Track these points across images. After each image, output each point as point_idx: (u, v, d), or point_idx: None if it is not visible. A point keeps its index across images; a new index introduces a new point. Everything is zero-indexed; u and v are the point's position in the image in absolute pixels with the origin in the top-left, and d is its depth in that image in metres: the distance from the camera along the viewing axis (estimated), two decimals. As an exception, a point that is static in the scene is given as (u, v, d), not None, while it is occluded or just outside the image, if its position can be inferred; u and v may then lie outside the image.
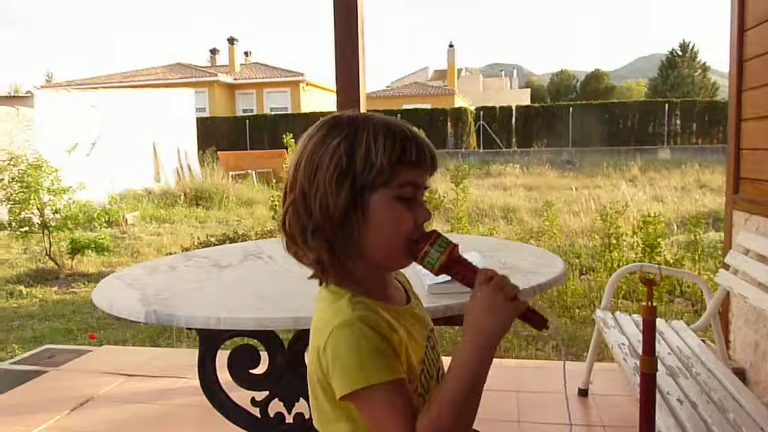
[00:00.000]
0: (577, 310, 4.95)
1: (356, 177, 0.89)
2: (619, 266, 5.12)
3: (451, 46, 39.06)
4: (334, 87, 3.18)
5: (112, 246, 7.85)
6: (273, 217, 8.02)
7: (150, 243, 8.64)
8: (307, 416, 1.72)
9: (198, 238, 7.59)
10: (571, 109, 26.30)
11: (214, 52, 36.92)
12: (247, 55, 35.87)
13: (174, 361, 3.49)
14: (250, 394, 1.73)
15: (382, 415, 0.84)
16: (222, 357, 1.73)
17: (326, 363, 0.86)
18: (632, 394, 2.57)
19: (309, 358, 0.92)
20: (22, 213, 6.80)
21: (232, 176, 14.75)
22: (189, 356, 3.54)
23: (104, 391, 3.05)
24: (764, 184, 2.81)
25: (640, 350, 1.74)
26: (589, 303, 5.11)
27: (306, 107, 27.88)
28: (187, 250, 6.65)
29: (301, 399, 1.75)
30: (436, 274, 0.93)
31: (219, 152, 17.04)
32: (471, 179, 15.35)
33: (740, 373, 2.91)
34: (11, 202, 6.79)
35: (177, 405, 2.88)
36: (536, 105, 30.89)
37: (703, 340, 2.67)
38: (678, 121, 25.41)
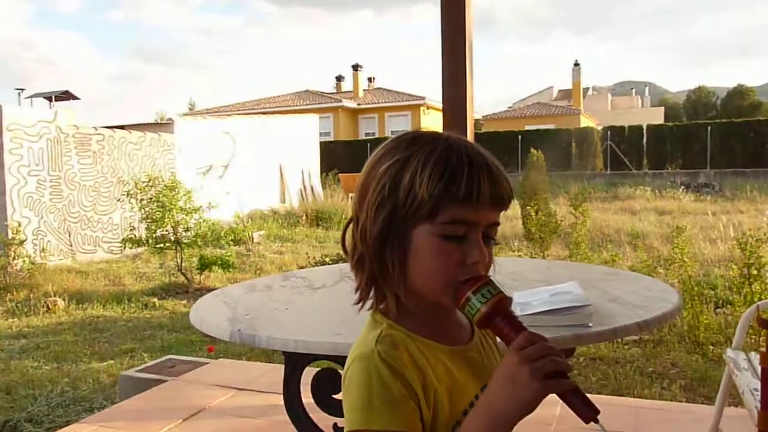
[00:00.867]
0: (710, 347, 4.51)
1: (396, 207, 0.81)
2: (761, 300, 4.61)
3: (576, 64, 37.88)
4: (454, 110, 3.16)
5: (237, 263, 8.28)
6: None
7: (273, 261, 9.03)
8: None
9: (314, 258, 7.82)
10: (709, 128, 24.43)
11: (339, 78, 38.42)
12: (370, 81, 36.96)
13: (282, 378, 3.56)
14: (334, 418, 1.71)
15: None
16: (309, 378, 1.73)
17: (343, 390, 0.82)
18: (770, 447, 2.26)
19: None
20: (158, 231, 7.36)
21: (351, 197, 15.15)
22: (307, 374, 3.62)
23: (215, 403, 3.17)
24: None
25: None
26: (724, 339, 4.63)
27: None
28: (302, 268, 6.87)
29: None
30: (477, 327, 0.81)
31: (340, 174, 17.58)
32: (596, 202, 14.72)
33: None
34: (149, 221, 7.37)
35: (280, 422, 2.91)
36: (669, 124, 29.04)
37: None
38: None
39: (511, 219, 11.21)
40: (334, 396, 1.67)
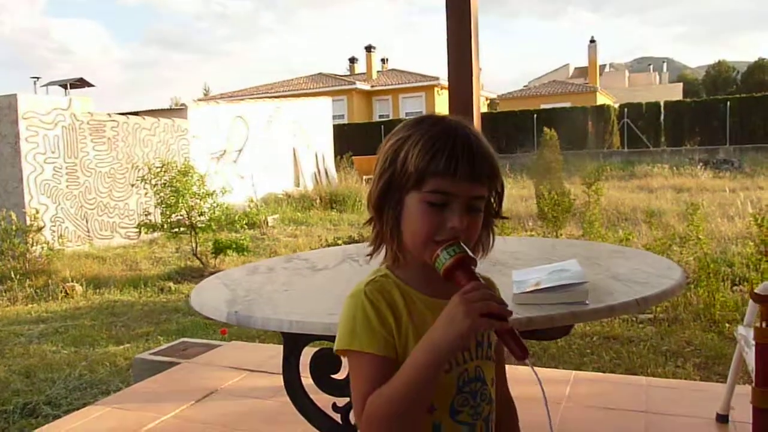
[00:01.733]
0: (726, 325, 4.46)
1: (393, 177, 0.98)
2: (777, 277, 4.54)
3: (592, 41, 37.29)
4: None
5: (251, 247, 8.33)
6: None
7: (287, 244, 9.08)
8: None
9: (326, 240, 7.85)
10: (728, 103, 23.95)
11: (353, 60, 38.20)
12: (384, 62, 36.71)
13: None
14: (334, 398, 1.72)
15: (354, 377, 0.96)
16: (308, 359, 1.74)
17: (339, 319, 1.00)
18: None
19: None
20: (173, 216, 7.41)
21: (365, 180, 15.13)
22: (306, 355, 3.64)
23: (227, 384, 3.21)
24: None
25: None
26: (741, 317, 4.55)
27: (441, 110, 27.89)
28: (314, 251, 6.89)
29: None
30: (444, 278, 0.93)
31: (354, 157, 17.56)
32: (613, 181, 14.56)
33: None
34: (163, 206, 7.43)
35: (291, 402, 2.95)
36: (688, 100, 28.54)
37: None
38: None
39: (525, 199, 11.14)
40: (332, 376, 1.68)
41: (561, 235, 7.18)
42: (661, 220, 8.75)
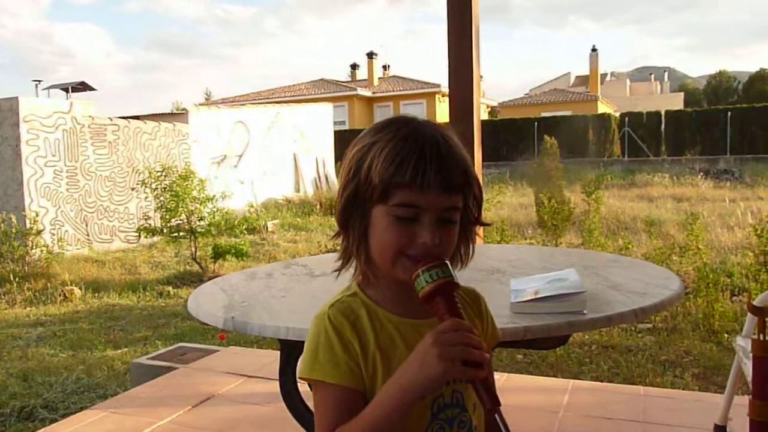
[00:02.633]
0: (725, 335, 4.46)
1: (358, 188, 0.90)
2: (775, 288, 4.54)
3: (594, 50, 37.40)
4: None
5: (251, 252, 8.33)
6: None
7: (286, 250, 9.07)
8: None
9: (325, 246, 7.85)
10: (729, 113, 23.99)
11: (354, 67, 38.27)
12: (385, 69, 36.79)
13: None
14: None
15: (317, 408, 0.91)
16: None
17: None
18: (779, 436, 2.23)
19: None
20: (173, 220, 7.42)
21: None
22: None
23: (224, 390, 3.20)
24: None
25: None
26: (740, 328, 4.55)
27: (442, 118, 28.00)
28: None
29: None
30: (422, 302, 0.86)
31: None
32: (613, 189, 14.55)
33: None
34: (163, 210, 7.43)
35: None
36: (689, 110, 28.58)
37: None
38: None
39: (525, 207, 11.14)
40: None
41: (560, 243, 7.19)
42: (660, 230, 8.75)
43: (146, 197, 8.77)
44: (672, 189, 14.69)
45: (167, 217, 7.42)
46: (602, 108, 31.68)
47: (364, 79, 34.65)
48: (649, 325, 4.79)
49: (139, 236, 8.10)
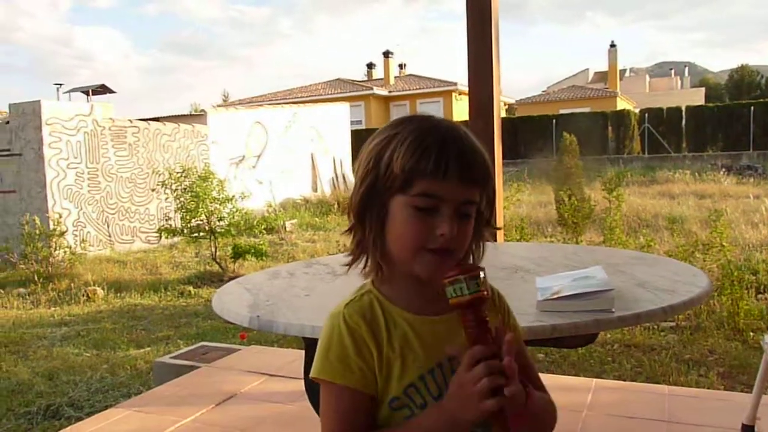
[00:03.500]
0: (751, 334, 4.39)
1: (377, 179, 0.90)
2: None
3: (612, 46, 37.01)
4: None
5: (270, 252, 8.37)
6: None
7: (305, 249, 9.11)
8: None
9: (344, 245, 7.85)
10: (752, 108, 23.60)
11: (370, 66, 38.29)
12: (401, 68, 36.74)
13: (312, 364, 3.59)
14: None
15: (325, 410, 0.90)
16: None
17: None
18: (809, 436, 2.19)
19: None
20: (193, 220, 7.48)
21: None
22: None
23: (246, 389, 3.22)
24: None
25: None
26: (766, 326, 4.51)
27: (458, 116, 27.92)
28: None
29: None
30: (451, 306, 0.86)
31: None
32: (633, 187, 14.41)
33: None
34: (183, 211, 7.50)
35: (310, 407, 2.95)
36: (710, 105, 28.17)
37: None
38: None
39: (544, 205, 11.06)
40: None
41: (581, 241, 7.12)
42: (683, 227, 8.65)
43: (166, 198, 8.86)
44: (694, 186, 14.51)
45: (187, 217, 7.48)
46: (621, 104, 31.34)
47: (380, 79, 34.65)
48: (673, 324, 4.73)
49: (160, 237, 8.18)
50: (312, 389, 1.76)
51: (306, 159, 15.27)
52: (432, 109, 29.51)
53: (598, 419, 2.70)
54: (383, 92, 31.02)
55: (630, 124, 25.14)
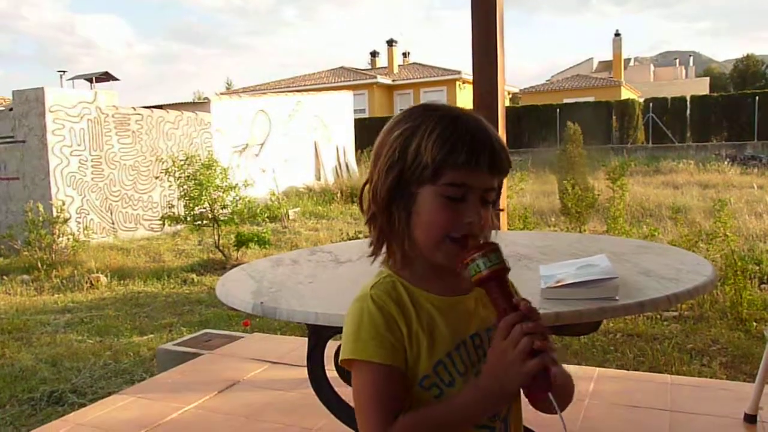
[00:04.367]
0: (754, 324, 4.38)
1: (404, 169, 0.91)
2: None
3: (617, 34, 36.78)
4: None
5: (273, 240, 8.38)
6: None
7: (308, 238, 9.11)
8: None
9: (347, 234, 7.86)
10: (757, 97, 23.45)
11: (374, 54, 38.10)
12: (405, 56, 36.57)
13: (314, 352, 3.60)
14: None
15: (363, 392, 0.90)
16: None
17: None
18: (812, 426, 2.19)
19: None
20: (196, 208, 7.48)
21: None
22: (331, 348, 3.65)
23: (249, 376, 3.23)
24: None
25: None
26: (770, 316, 4.50)
27: (462, 105, 27.56)
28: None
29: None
30: (474, 284, 0.90)
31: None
32: (637, 176, 14.36)
33: None
34: (186, 198, 7.50)
35: (312, 395, 2.95)
36: (715, 95, 28.01)
37: None
38: None
39: (547, 194, 11.04)
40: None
41: (584, 230, 7.11)
42: (686, 217, 8.62)
43: (170, 186, 8.86)
44: (698, 176, 14.45)
45: (191, 205, 7.48)
46: (626, 94, 31.18)
47: (384, 67, 34.49)
48: (675, 314, 4.73)
49: (163, 224, 8.18)
50: (316, 377, 1.76)
51: (309, 147, 15.25)
52: (436, 97, 29.43)
53: (600, 408, 2.70)
54: (387, 81, 30.90)
55: (634, 113, 25.03)
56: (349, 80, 29.84)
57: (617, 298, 1.44)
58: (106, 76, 19.12)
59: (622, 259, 1.80)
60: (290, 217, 10.87)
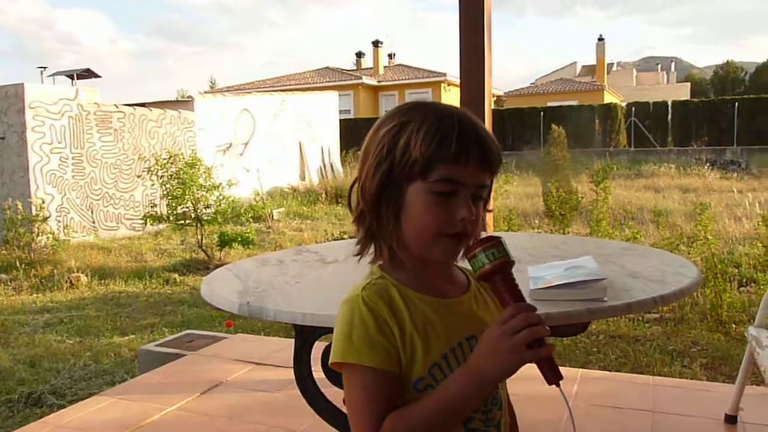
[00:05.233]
0: (733, 326, 4.44)
1: (393, 166, 0.90)
2: (786, 278, 4.51)
3: (600, 39, 37.14)
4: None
5: (257, 240, 8.32)
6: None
7: (292, 238, 9.07)
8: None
9: (332, 234, 7.84)
10: (736, 104, 23.83)
11: (359, 55, 38.06)
12: (391, 57, 36.58)
13: (298, 352, 3.58)
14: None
15: (355, 396, 0.88)
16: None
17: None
18: (792, 427, 2.22)
19: None
20: (179, 208, 7.41)
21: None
22: (318, 349, 3.63)
23: (233, 377, 3.20)
24: None
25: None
26: (748, 318, 4.56)
27: (447, 107, 27.80)
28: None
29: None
30: (478, 280, 0.90)
31: (360, 151, 17.54)
32: (619, 180, 14.50)
33: None
34: (169, 198, 7.43)
35: (297, 396, 2.92)
36: (695, 100, 28.39)
37: None
38: None
39: (532, 196, 11.10)
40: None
41: (568, 232, 7.16)
42: (668, 220, 8.72)
43: (152, 185, 8.77)
44: (678, 179, 14.63)
45: (173, 204, 7.42)
46: (608, 98, 31.51)
47: (370, 68, 34.48)
48: (656, 316, 4.78)
49: (145, 224, 8.09)
50: (302, 378, 1.75)
51: (294, 147, 15.19)
52: (421, 99, 29.38)
53: (584, 409, 2.71)
54: (372, 82, 30.88)
55: (617, 117, 25.29)
56: (335, 81, 29.79)
57: (605, 299, 1.45)
58: (87, 73, 18.89)
59: (608, 261, 1.81)
60: (274, 218, 10.81)
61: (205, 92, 27.69)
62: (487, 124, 3.14)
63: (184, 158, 7.72)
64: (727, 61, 69.23)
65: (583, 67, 50.87)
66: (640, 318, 4.70)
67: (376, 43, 33.64)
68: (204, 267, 7.15)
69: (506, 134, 24.45)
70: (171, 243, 9.00)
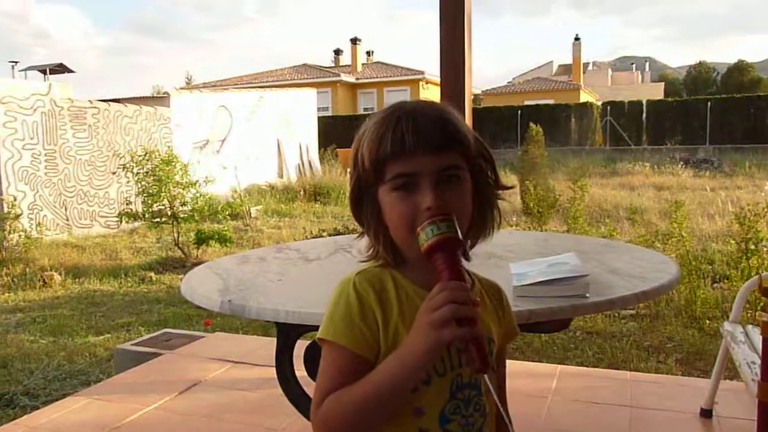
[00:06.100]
0: (707, 322, 4.52)
1: (360, 177, 0.94)
2: (758, 274, 4.60)
3: (576, 39, 37.52)
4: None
5: (234, 238, 8.24)
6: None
7: (270, 236, 9.01)
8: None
9: (311, 232, 7.80)
10: (709, 103, 24.27)
11: (338, 52, 37.98)
12: (369, 55, 36.57)
13: (278, 351, 3.56)
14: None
15: (322, 369, 0.89)
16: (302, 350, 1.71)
17: None
18: (765, 420, 2.26)
19: None
20: (155, 205, 7.31)
21: (349, 172, 15.08)
22: (300, 347, 3.61)
23: (211, 376, 3.17)
24: None
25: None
26: (721, 314, 4.64)
27: (425, 105, 27.83)
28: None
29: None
30: (424, 257, 0.85)
31: (338, 149, 17.48)
32: (595, 178, 14.67)
33: None
34: (145, 195, 7.32)
35: (276, 394, 2.90)
36: (669, 99, 28.86)
37: None
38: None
39: (509, 194, 11.15)
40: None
41: (546, 230, 7.22)
42: (643, 218, 8.83)
43: (127, 182, 8.64)
44: (653, 178, 14.85)
45: (149, 202, 7.30)
46: (584, 97, 31.85)
47: (348, 65, 34.40)
48: (632, 312, 4.84)
49: (120, 221, 7.96)
50: (285, 375, 1.73)
51: (272, 145, 15.08)
52: (399, 97, 29.35)
53: (563, 404, 2.74)
54: (350, 79, 30.82)
55: (592, 116, 25.60)
56: (313, 77, 29.65)
57: (588, 295, 1.46)
58: (61, 68, 18.55)
59: (588, 258, 1.83)
60: (252, 215, 10.73)
61: (182, 88, 27.37)
62: (468, 123, 3.13)
63: (160, 155, 7.62)
64: (700, 62, 70.50)
65: (560, 66, 51.42)
66: (617, 314, 4.76)
67: (354, 41, 33.58)
68: (180, 265, 7.07)
69: (484, 133, 24.43)
70: (147, 241, 8.88)
